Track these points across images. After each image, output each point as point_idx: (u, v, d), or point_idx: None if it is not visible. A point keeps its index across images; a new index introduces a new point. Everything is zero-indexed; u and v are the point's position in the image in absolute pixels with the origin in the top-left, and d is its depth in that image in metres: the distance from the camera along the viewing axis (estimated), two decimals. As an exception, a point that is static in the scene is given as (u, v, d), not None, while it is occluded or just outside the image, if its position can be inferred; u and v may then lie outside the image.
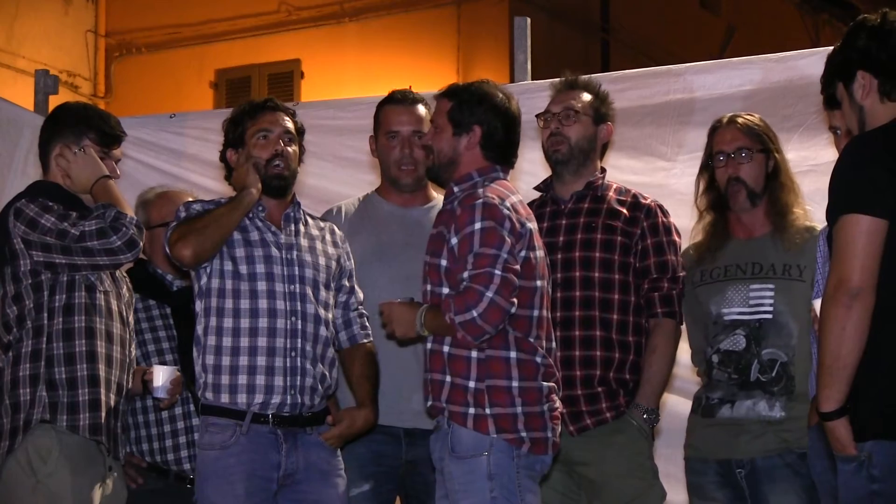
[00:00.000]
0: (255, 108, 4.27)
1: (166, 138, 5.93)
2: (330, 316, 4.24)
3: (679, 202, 4.92)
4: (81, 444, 4.03)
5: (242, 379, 4.07)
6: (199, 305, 4.16)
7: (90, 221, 4.07)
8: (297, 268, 4.18)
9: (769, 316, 4.22)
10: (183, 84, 12.96)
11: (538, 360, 3.88)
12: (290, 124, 4.28)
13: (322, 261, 4.25)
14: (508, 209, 3.85)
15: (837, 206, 3.34)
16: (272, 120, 4.25)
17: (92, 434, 4.04)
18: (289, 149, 4.24)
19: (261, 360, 4.07)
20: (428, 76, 11.43)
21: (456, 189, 3.99)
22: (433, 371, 3.91)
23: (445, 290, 3.88)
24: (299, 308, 4.14)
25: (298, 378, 4.10)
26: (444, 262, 3.89)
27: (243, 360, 4.07)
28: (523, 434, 3.83)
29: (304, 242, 4.24)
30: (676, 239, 4.46)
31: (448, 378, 3.86)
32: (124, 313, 4.23)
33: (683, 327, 4.53)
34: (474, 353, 3.84)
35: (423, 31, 12.39)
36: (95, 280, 4.13)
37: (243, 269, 4.12)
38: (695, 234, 4.46)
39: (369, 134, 4.91)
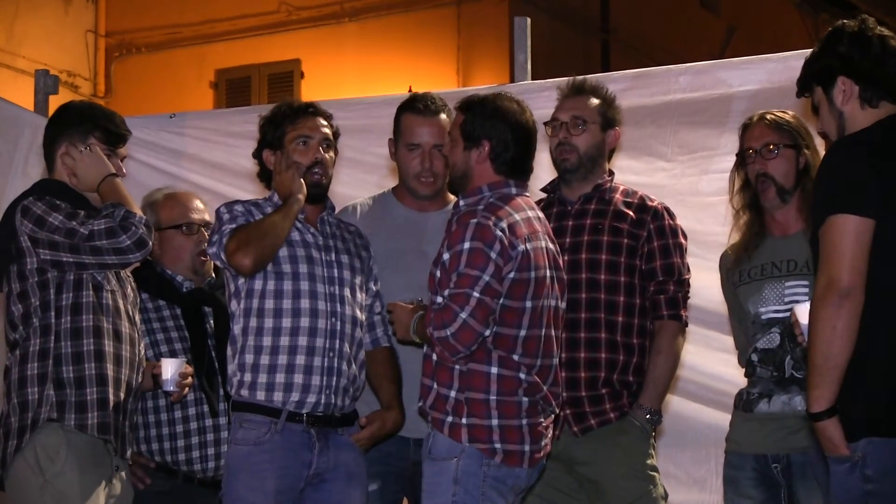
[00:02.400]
0: (296, 112, 4.28)
1: (166, 138, 5.93)
2: (363, 318, 4.27)
3: (679, 202, 4.92)
4: (89, 443, 4.04)
5: (280, 377, 4.09)
6: (235, 305, 4.18)
7: (100, 220, 4.08)
8: (336, 269, 4.22)
9: None
10: (183, 84, 12.96)
11: (521, 376, 3.90)
12: (328, 130, 4.30)
13: (357, 263, 4.30)
14: (502, 230, 3.86)
15: (824, 207, 3.35)
16: (312, 126, 4.27)
17: (101, 433, 4.04)
18: (327, 156, 4.26)
19: (300, 359, 4.10)
20: (428, 76, 11.44)
21: (462, 203, 4.01)
22: (425, 375, 3.97)
23: (439, 300, 3.91)
24: (339, 309, 4.17)
25: (334, 378, 4.13)
26: (438, 273, 3.93)
27: (282, 359, 4.10)
28: (497, 445, 3.86)
29: (340, 245, 4.28)
30: (683, 241, 4.46)
31: (434, 385, 3.92)
32: (131, 312, 4.23)
33: (692, 328, 4.53)
34: (457, 365, 3.88)
35: (423, 31, 12.40)
36: (102, 279, 4.13)
37: (287, 268, 4.14)
38: (732, 234, 4.45)
39: (369, 134, 4.90)
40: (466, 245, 3.84)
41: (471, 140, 4.01)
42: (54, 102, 5.32)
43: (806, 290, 4.20)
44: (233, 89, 12.96)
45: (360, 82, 11.56)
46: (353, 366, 4.19)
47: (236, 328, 4.16)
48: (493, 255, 3.83)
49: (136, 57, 13.37)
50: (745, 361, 4.38)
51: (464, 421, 3.85)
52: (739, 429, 4.32)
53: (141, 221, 4.11)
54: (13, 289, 4.12)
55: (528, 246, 3.91)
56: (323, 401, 4.11)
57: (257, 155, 4.33)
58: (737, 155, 4.41)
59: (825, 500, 4.09)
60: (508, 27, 6.26)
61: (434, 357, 3.92)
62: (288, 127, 4.25)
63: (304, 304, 4.13)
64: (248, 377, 4.11)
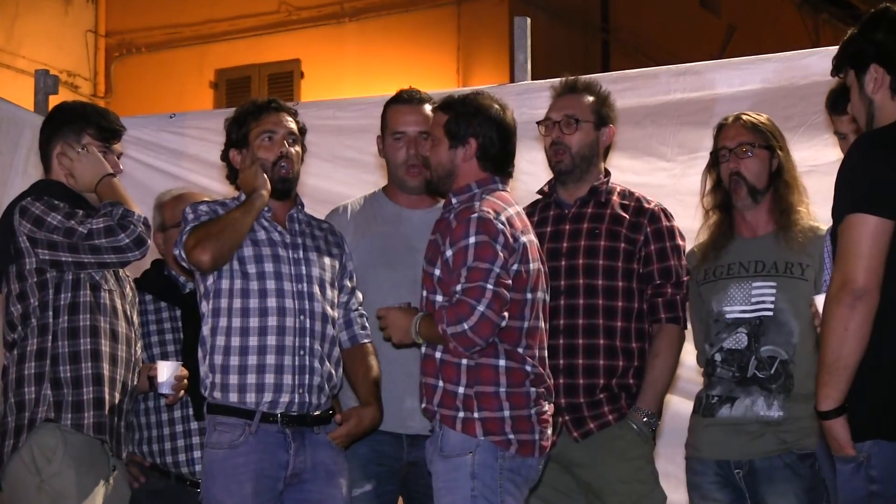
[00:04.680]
0: (259, 109, 4.26)
1: (166, 138, 5.93)
2: (335, 315, 4.25)
3: (679, 202, 4.92)
4: (86, 442, 4.04)
5: (251, 378, 4.07)
6: (205, 307, 4.16)
7: (98, 219, 4.07)
8: (304, 266, 4.19)
9: (770, 313, 4.22)
10: (183, 84, 12.96)
11: (527, 368, 3.93)
12: (293, 125, 4.28)
13: (327, 260, 4.27)
14: (503, 223, 3.90)
15: (843, 205, 3.33)
16: (276, 121, 4.24)
17: (96, 433, 4.04)
18: (293, 150, 4.24)
19: (270, 359, 4.07)
20: (428, 76, 11.43)
21: (454, 200, 4.03)
22: (427, 375, 3.97)
23: (439, 298, 3.93)
24: (307, 306, 4.15)
25: (307, 376, 4.11)
26: (437, 272, 3.94)
27: (252, 360, 4.07)
28: (511, 436, 3.88)
29: (309, 242, 4.26)
30: (680, 243, 4.45)
31: (440, 383, 3.92)
32: (129, 312, 4.23)
33: (688, 330, 4.53)
34: (464, 361, 3.90)
35: (423, 31, 12.40)
36: (100, 279, 4.13)
37: (251, 268, 4.12)
38: (700, 233, 4.46)
39: (369, 134, 4.90)
40: (472, 239, 3.85)
41: (456, 139, 4.03)
42: (54, 102, 5.31)
43: (773, 290, 4.22)
44: (233, 89, 12.95)
45: (360, 82, 11.57)
46: (327, 363, 4.17)
47: (205, 329, 4.14)
48: (499, 247, 3.86)
49: (136, 57, 13.37)
50: (704, 360, 4.38)
51: (476, 415, 3.86)
52: (699, 434, 4.33)
53: (139, 220, 4.11)
54: (12, 289, 4.12)
55: (525, 238, 3.96)
56: (297, 400, 4.09)
57: (224, 157, 4.32)
58: (710, 154, 4.41)
59: (799, 499, 4.11)
60: (508, 27, 6.27)
61: (438, 355, 3.92)
62: (252, 124, 4.23)
63: (271, 302, 4.10)
64: (219, 378, 4.08)
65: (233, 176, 4.31)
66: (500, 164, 4.06)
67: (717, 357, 4.29)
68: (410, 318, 3.96)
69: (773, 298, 4.22)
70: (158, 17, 13.21)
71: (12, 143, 5.71)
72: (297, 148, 4.27)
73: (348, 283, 4.34)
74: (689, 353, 4.79)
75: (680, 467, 4.60)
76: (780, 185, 4.32)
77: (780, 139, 4.37)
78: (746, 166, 4.31)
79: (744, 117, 4.37)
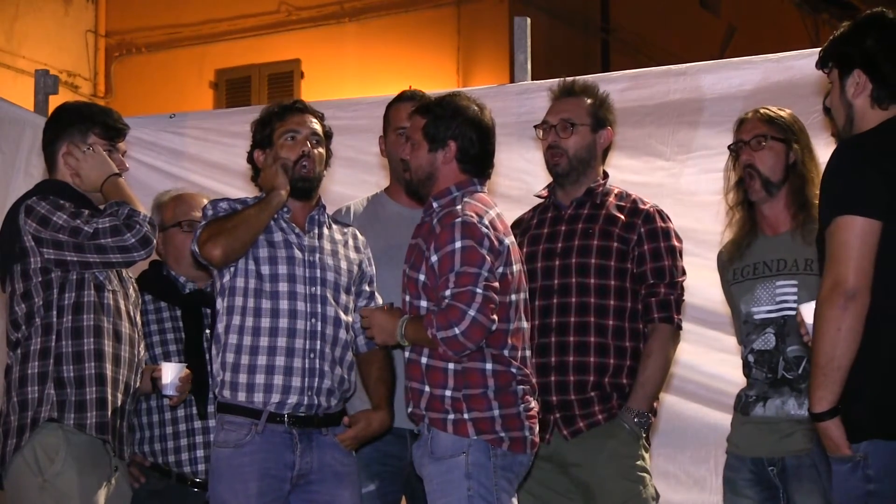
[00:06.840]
0: (284, 110, 4.27)
1: (166, 138, 5.94)
2: (350, 319, 4.24)
3: (678, 202, 4.92)
4: (88, 443, 4.04)
5: (260, 378, 4.07)
6: (220, 303, 4.16)
7: (104, 219, 4.08)
8: (318, 270, 4.19)
9: (793, 312, 4.17)
10: (183, 84, 12.97)
11: (513, 370, 3.95)
12: (317, 126, 4.28)
13: (344, 265, 4.27)
14: (486, 227, 3.91)
15: (831, 208, 3.34)
16: (300, 121, 4.25)
17: (99, 433, 4.04)
18: (315, 151, 4.24)
19: (279, 360, 4.08)
20: (428, 76, 11.44)
21: (435, 204, 4.04)
22: (412, 380, 3.98)
23: (423, 304, 3.95)
24: (319, 310, 4.15)
25: (316, 380, 4.11)
26: (422, 277, 3.95)
27: (262, 360, 4.08)
28: (502, 434, 3.89)
29: (327, 246, 4.25)
30: (675, 244, 4.45)
31: (426, 388, 3.93)
32: (132, 313, 4.24)
33: (691, 328, 4.53)
34: (451, 365, 3.91)
35: (423, 31, 12.40)
36: (104, 279, 4.14)
37: (265, 269, 4.12)
38: (726, 232, 4.45)
39: (369, 133, 4.91)
40: (458, 244, 3.87)
41: (436, 142, 4.04)
42: (54, 102, 5.32)
43: (795, 289, 4.20)
44: (233, 89, 12.97)
45: (360, 82, 11.58)
46: (339, 367, 4.17)
47: (220, 326, 4.15)
48: (485, 251, 3.87)
49: (136, 57, 13.38)
50: (743, 361, 4.39)
51: (466, 416, 3.88)
52: (738, 431, 4.34)
53: (145, 220, 4.11)
54: (16, 289, 4.12)
55: (508, 240, 3.98)
56: (305, 402, 4.09)
57: (250, 158, 4.33)
58: (729, 149, 4.41)
59: (825, 499, 4.10)
60: (508, 27, 6.27)
61: (424, 360, 3.93)
62: (277, 124, 4.25)
63: (283, 304, 4.11)
64: (229, 377, 4.09)
65: (256, 176, 4.32)
66: (479, 165, 4.07)
67: (751, 358, 4.29)
68: (395, 319, 3.97)
69: (795, 297, 4.19)
70: (158, 17, 13.22)
71: (13, 143, 5.72)
72: (321, 149, 4.27)
73: (367, 288, 4.34)
74: (689, 352, 4.80)
75: (679, 467, 4.62)
76: (795, 179, 4.28)
77: (798, 133, 4.32)
78: (760, 158, 4.28)
79: (762, 110, 4.35)
